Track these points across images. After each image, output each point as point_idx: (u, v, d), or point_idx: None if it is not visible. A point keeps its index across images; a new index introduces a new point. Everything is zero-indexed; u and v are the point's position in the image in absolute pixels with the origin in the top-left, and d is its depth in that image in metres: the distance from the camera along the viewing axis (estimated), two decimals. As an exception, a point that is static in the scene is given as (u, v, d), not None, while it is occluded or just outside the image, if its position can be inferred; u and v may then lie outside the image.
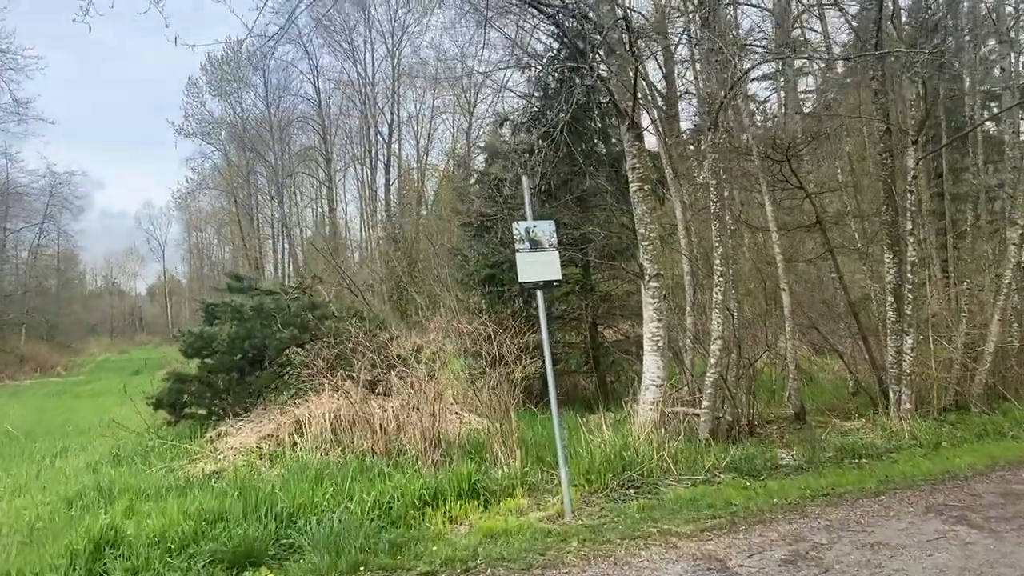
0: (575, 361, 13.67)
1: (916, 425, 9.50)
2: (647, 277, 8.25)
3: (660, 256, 8.37)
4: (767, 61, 11.78)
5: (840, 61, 15.09)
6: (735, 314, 10.54)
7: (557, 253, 6.41)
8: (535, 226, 6.28)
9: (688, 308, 13.14)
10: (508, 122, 14.56)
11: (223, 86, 57.24)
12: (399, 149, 51.72)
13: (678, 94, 20.06)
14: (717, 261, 9.30)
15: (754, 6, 12.66)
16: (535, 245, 6.27)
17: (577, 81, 14.54)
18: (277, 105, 57.87)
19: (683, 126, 18.63)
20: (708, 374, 9.35)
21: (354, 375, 8.61)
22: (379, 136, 53.15)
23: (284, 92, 57.16)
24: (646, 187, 8.11)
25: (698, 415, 9.67)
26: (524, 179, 6.51)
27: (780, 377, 13.83)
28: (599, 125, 14.63)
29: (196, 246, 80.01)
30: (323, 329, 9.79)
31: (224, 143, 59.48)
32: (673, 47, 16.76)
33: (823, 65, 15.92)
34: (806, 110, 17.77)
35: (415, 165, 51.30)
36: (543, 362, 14.04)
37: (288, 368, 9.14)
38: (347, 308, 11.02)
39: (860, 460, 8.31)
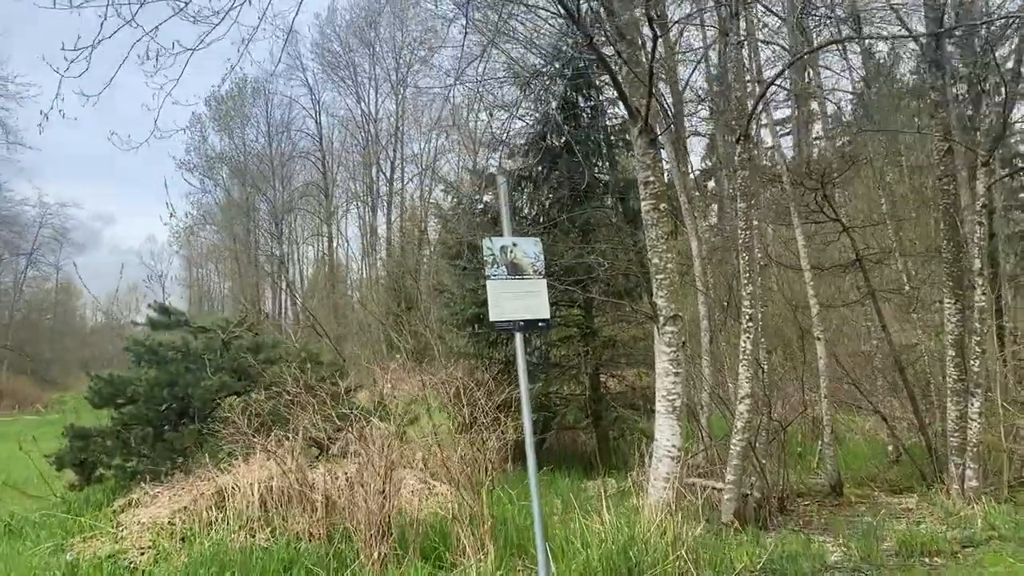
0: (573, 415, 11.92)
1: (990, 509, 7.71)
2: (662, 319, 6.56)
3: (678, 293, 6.69)
4: (821, 48, 10.19)
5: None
6: (765, 367, 8.83)
7: (544, 283, 4.76)
8: (515, 245, 4.64)
9: (704, 357, 11.42)
10: (504, 144, 12.99)
11: (226, 121, 56.45)
12: (402, 187, 50.44)
13: (690, 127, 18.55)
14: (746, 303, 7.62)
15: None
16: (514, 270, 4.64)
17: (581, 102, 13.10)
18: (279, 140, 56.97)
19: (693, 160, 17.01)
20: (734, 441, 7.61)
21: (292, 435, 6.87)
22: (381, 173, 52.09)
23: (286, 128, 56.23)
24: (662, 206, 6.47)
25: (719, 489, 7.93)
26: (499, 178, 4.89)
27: (808, 438, 12.06)
28: (605, 150, 13.07)
29: (196, 282, 78.69)
30: (266, 375, 8.10)
31: (225, 178, 58.49)
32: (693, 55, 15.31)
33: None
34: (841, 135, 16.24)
35: (418, 203, 50.00)
36: (542, 410, 12.42)
37: (212, 423, 7.42)
38: (302, 351, 9.31)
39: (932, 559, 6.52)
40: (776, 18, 10.20)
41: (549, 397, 12.01)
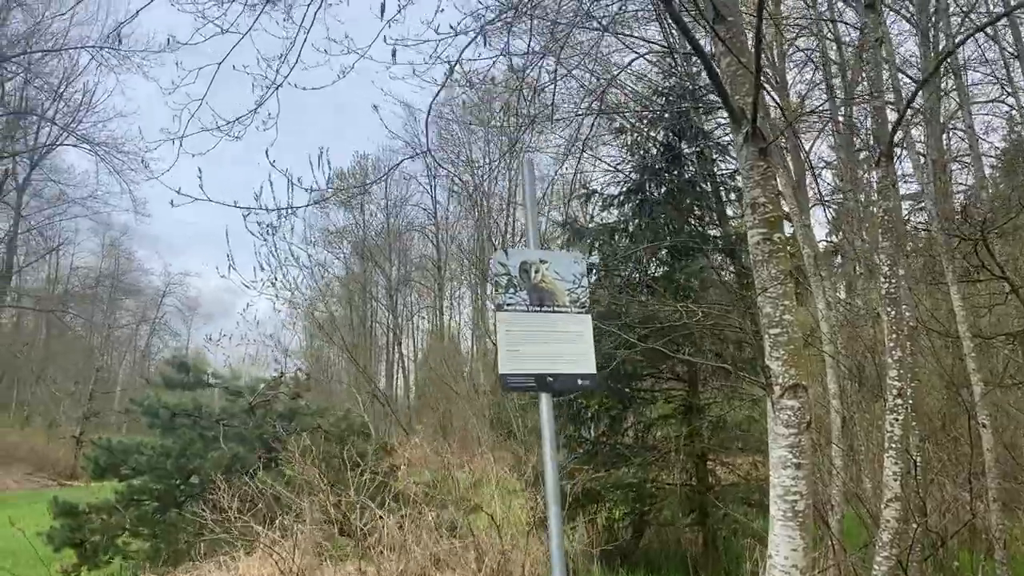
0: (671, 511, 10.02)
1: None
2: (777, 389, 4.84)
3: (800, 356, 4.96)
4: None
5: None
6: (917, 460, 6.85)
7: (589, 321, 3.28)
8: (542, 262, 3.19)
9: (835, 444, 9.38)
10: (596, 195, 11.61)
11: (347, 198, 57.97)
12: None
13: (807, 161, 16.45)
14: (892, 372, 5.78)
15: None
16: (541, 299, 3.18)
17: (685, 148, 11.58)
18: (396, 215, 58.00)
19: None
20: (879, 558, 5.67)
21: (306, 521, 5.47)
22: (492, 246, 51.86)
23: (403, 203, 57.15)
24: (776, 237, 4.84)
25: (859, 623, 5.96)
26: (524, 163, 3.45)
27: (975, 553, 9.64)
28: (712, 201, 11.45)
29: (314, 354, 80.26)
30: (290, 447, 6.80)
31: (346, 253, 59.83)
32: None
33: None
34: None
35: (523, 275, 49.16)
36: (637, 502, 10.57)
37: (215, 504, 6.13)
38: (343, 419, 7.96)
39: None
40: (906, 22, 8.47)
41: (645, 486, 10.16)
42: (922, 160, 9.92)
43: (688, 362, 10.13)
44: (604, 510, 10.61)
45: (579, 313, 3.35)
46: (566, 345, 3.29)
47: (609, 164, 12.21)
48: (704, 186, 11.28)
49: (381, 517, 6.13)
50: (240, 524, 5.37)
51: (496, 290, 3.17)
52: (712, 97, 11.00)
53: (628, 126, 11.29)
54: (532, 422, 11.31)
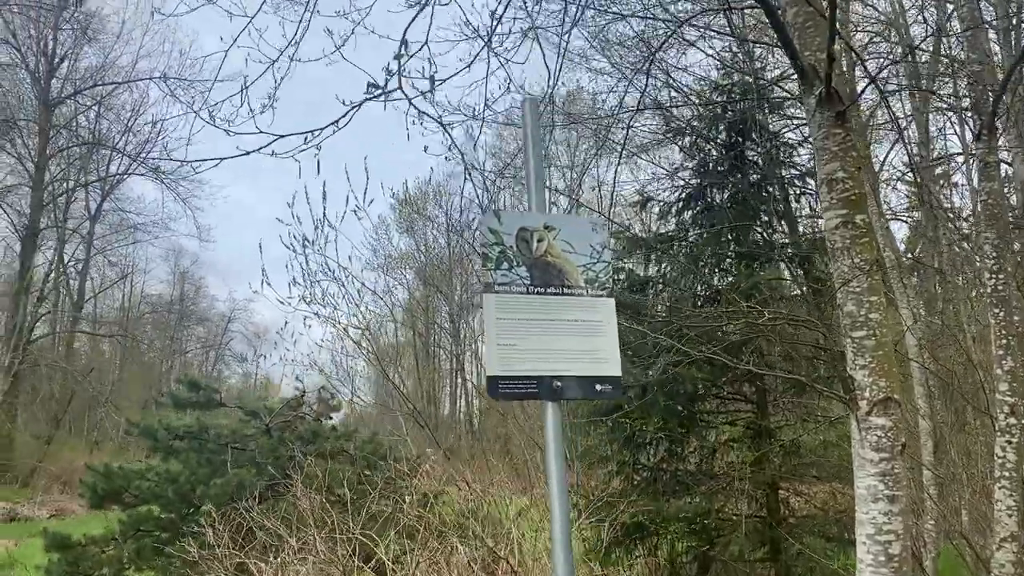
0: (739, 545, 9.04)
1: None
2: (864, 404, 3.97)
3: (891, 363, 4.07)
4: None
5: None
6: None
7: (612, 307, 2.54)
8: (548, 228, 2.46)
9: (926, 470, 8.33)
10: (652, 202, 10.79)
11: (411, 223, 58.20)
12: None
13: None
14: (1003, 387, 4.86)
15: None
16: (546, 277, 2.45)
17: (748, 147, 10.68)
18: (458, 240, 57.91)
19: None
20: (992, 611, 4.71)
21: (311, 556, 4.79)
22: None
23: (465, 228, 57.00)
24: (858, 219, 3.98)
25: None
26: (525, 104, 2.71)
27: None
28: (781, 206, 10.50)
29: (377, 380, 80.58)
30: (308, 471, 6.12)
31: (408, 279, 60.03)
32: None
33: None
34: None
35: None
36: (701, 535, 9.63)
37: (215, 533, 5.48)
38: (368, 442, 7.24)
39: None
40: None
41: (710, 518, 9.20)
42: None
43: (756, 379, 9.21)
44: (665, 544, 9.69)
45: (598, 297, 2.63)
46: (579, 339, 2.57)
47: (666, 168, 11.37)
48: (771, 189, 10.36)
49: (404, 553, 5.42)
50: (234, 561, 4.73)
51: (485, 265, 2.47)
52: (778, 92, 10.13)
53: (685, 126, 10.47)
54: (584, 442, 10.48)
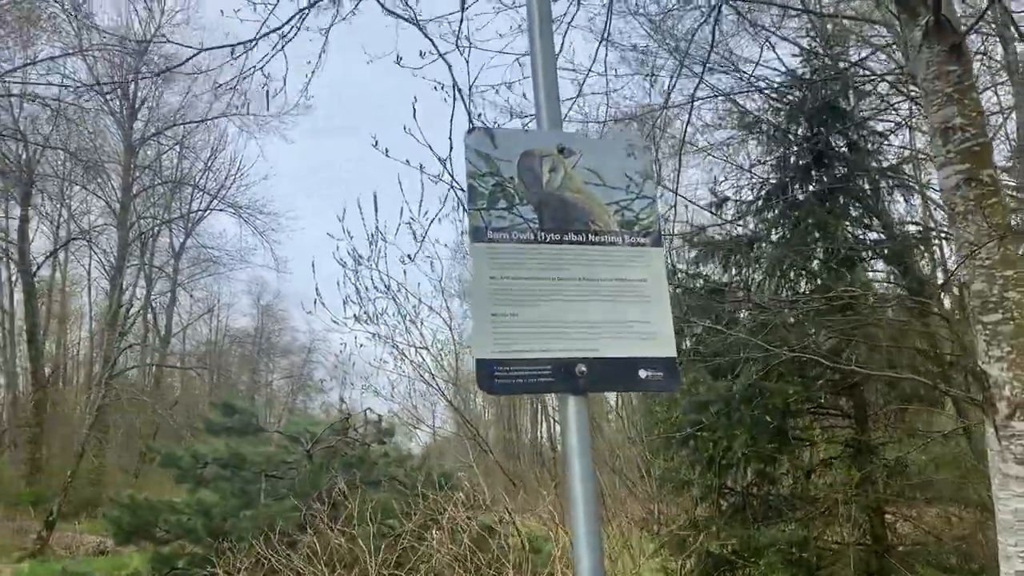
0: (843, 577, 8.06)
1: None
2: (1003, 405, 3.17)
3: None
4: None
5: None
6: None
7: (661, 259, 1.87)
8: (569, 153, 1.82)
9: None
10: (729, 201, 10.00)
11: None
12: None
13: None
14: None
15: None
16: (564, 217, 1.81)
17: (834, 142, 9.79)
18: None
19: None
20: None
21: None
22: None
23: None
24: (985, 176, 3.18)
25: None
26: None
27: None
28: (872, 201, 9.58)
29: (463, 406, 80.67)
30: (337, 501, 5.48)
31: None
32: None
33: None
34: None
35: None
36: (798, 566, 8.69)
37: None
38: (416, 470, 6.55)
39: None
40: None
41: (808, 547, 8.26)
42: None
43: (854, 391, 8.30)
44: (757, 575, 8.79)
45: (639, 246, 1.95)
46: (613, 305, 1.88)
47: (738, 165, 10.59)
48: (860, 183, 9.46)
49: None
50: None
51: (472, 203, 1.84)
52: (865, 74, 9.27)
53: (763, 119, 9.69)
54: (661, 465, 9.67)
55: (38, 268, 31.19)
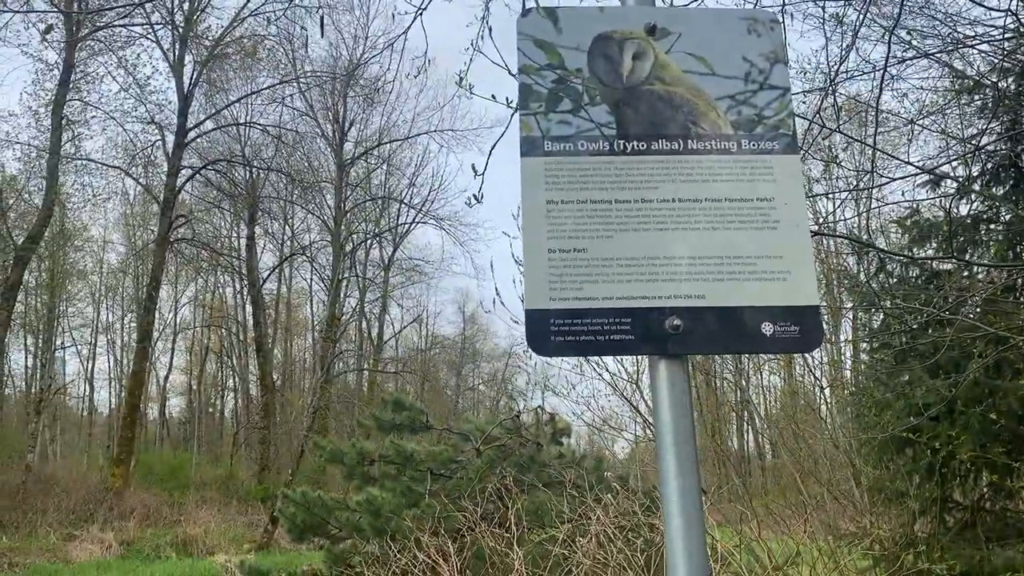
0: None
1: None
2: None
3: None
4: None
5: None
6: None
7: (799, 171, 1.32)
8: (663, 33, 1.36)
9: None
10: (947, 179, 8.82)
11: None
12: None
13: None
14: None
15: None
16: (654, 119, 1.34)
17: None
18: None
19: None
20: None
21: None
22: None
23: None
24: None
25: None
26: None
27: None
28: None
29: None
30: (520, 508, 5.09)
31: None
32: None
33: None
34: None
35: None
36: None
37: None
38: (589, 471, 6.01)
39: None
40: None
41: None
42: None
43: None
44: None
45: (764, 153, 1.40)
46: (724, 235, 1.38)
47: (955, 136, 9.36)
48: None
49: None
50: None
51: (524, 106, 1.38)
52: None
53: (986, 80, 8.45)
54: (873, 474, 8.67)
55: (263, 282, 34.12)
